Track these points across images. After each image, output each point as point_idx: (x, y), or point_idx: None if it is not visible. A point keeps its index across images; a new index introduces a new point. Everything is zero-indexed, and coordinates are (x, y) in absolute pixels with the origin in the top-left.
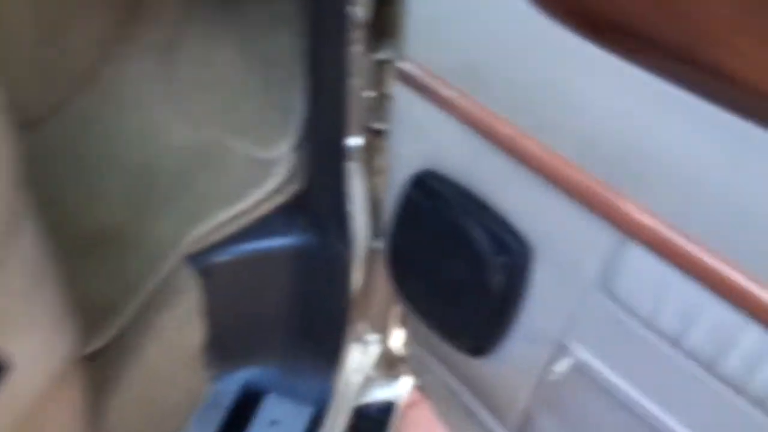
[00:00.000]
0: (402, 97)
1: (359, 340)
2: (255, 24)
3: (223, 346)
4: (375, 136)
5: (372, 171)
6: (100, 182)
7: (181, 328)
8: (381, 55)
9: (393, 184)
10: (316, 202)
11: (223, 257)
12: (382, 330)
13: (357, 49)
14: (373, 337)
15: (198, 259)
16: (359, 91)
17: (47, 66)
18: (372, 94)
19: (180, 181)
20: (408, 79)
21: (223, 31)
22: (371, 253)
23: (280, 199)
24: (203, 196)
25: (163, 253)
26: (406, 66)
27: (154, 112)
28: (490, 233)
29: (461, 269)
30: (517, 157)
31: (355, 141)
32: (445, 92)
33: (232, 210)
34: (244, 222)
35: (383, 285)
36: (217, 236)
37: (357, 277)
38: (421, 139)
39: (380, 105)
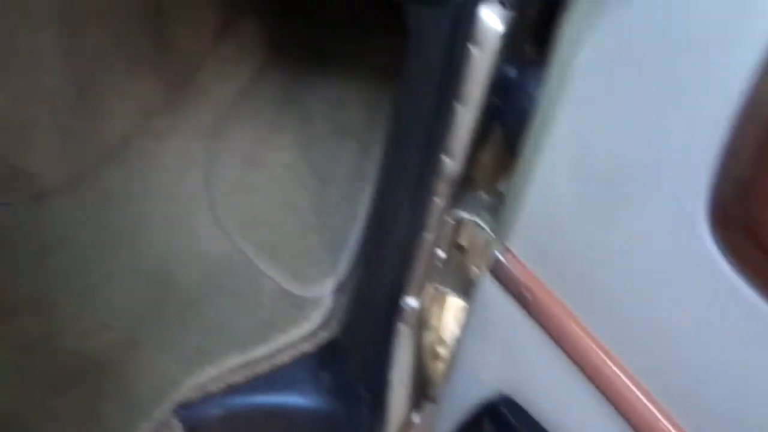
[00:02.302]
0: (489, 293)
1: None
2: (316, 131)
3: None
4: (434, 299)
5: (421, 341)
6: (106, 281)
7: None
8: (463, 213)
9: (453, 401)
10: (351, 360)
11: (221, 410)
12: None
13: (438, 202)
14: None
15: (190, 410)
16: (429, 247)
17: (77, 133)
18: (442, 254)
19: (196, 303)
20: (502, 275)
21: (278, 127)
22: (406, 428)
23: (306, 347)
24: (219, 329)
25: (158, 397)
26: (505, 259)
27: (183, 204)
28: None
29: None
30: (622, 410)
31: (412, 302)
32: (550, 305)
33: (251, 354)
34: (259, 370)
35: None
36: (220, 384)
37: None
38: (504, 354)
39: (447, 268)
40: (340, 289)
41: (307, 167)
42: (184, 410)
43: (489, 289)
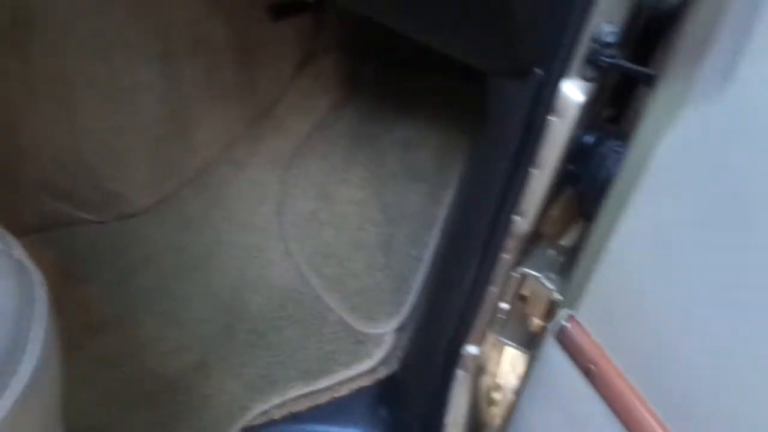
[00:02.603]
0: (552, 357)
1: None
2: (387, 170)
3: None
4: (493, 346)
5: (478, 386)
6: (185, 304)
7: None
8: (529, 270)
9: None
10: (408, 399)
11: None
12: None
13: (506, 258)
14: None
15: None
16: (494, 300)
17: (166, 160)
18: (505, 306)
19: (264, 331)
20: (567, 343)
21: (351, 164)
22: None
23: (366, 382)
24: (285, 358)
25: (227, 423)
26: (571, 327)
27: (257, 233)
28: None
29: None
30: None
31: (472, 350)
32: (615, 380)
33: (313, 385)
34: (320, 401)
35: None
36: (283, 412)
37: None
38: (565, 420)
39: (509, 320)
40: (401, 328)
41: (377, 206)
42: None
43: (552, 353)
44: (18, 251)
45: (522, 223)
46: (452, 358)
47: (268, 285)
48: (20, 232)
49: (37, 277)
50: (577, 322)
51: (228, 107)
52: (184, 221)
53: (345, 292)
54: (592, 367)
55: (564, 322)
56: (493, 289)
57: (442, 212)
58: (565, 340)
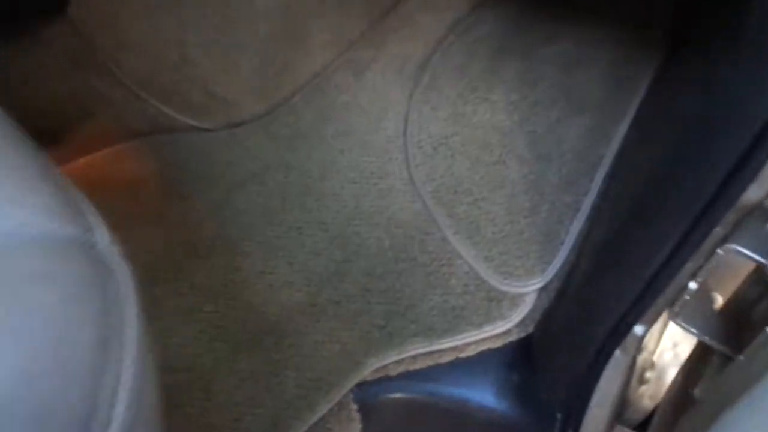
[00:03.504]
0: None
1: None
2: (539, 95)
3: None
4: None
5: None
6: (293, 233)
7: None
8: (743, 249)
9: None
10: (545, 372)
11: (400, 395)
12: None
13: (718, 232)
14: None
15: (367, 391)
16: (685, 278)
17: (276, 62)
18: (694, 286)
19: (382, 274)
20: None
21: (493, 81)
22: None
23: (496, 344)
24: (404, 309)
25: (338, 378)
26: None
27: (377, 155)
28: None
29: None
30: None
31: (638, 330)
32: None
33: (436, 343)
34: (442, 360)
35: None
36: (400, 369)
37: None
38: None
39: (693, 301)
40: (545, 288)
41: (524, 136)
42: (360, 390)
43: None
44: (104, 239)
45: (756, 190)
46: (614, 338)
47: (387, 218)
48: (122, 134)
49: (125, 278)
50: None
51: (348, 2)
52: (295, 134)
53: (479, 239)
54: None
55: None
56: (689, 266)
57: (608, 152)
58: None
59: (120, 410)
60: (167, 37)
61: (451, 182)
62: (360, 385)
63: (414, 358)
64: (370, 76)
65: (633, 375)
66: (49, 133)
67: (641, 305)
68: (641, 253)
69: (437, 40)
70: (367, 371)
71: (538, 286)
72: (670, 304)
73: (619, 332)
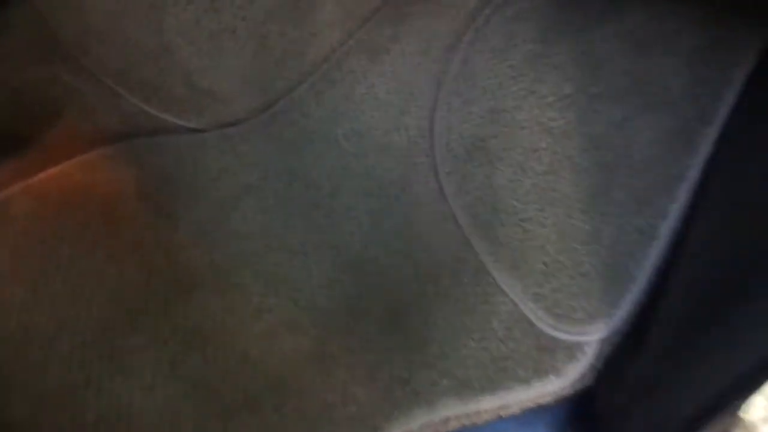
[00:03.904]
0: None
1: None
2: (605, 84)
3: None
4: None
5: None
6: (297, 260)
7: None
8: None
9: None
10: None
11: None
12: None
13: None
14: None
15: None
16: None
17: (275, 47)
18: None
19: (406, 312)
20: None
21: (545, 66)
22: None
23: (544, 401)
24: (433, 357)
25: None
26: None
27: (398, 158)
28: None
29: None
30: None
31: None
32: None
33: (471, 403)
34: (479, 421)
35: None
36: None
37: None
38: None
39: None
40: (611, 334)
41: (584, 138)
42: None
43: None
44: None
45: None
46: (701, 419)
47: (411, 240)
48: (96, 138)
49: None
50: None
51: None
52: (300, 135)
53: (525, 270)
54: None
55: None
56: None
57: (694, 162)
58: None
59: None
60: (141, 20)
61: (490, 196)
62: None
63: (445, 420)
64: (389, 60)
65: None
66: (10, 138)
67: (750, 376)
68: (747, 306)
69: (470, 14)
70: None
71: (602, 333)
72: None
73: (723, 407)
